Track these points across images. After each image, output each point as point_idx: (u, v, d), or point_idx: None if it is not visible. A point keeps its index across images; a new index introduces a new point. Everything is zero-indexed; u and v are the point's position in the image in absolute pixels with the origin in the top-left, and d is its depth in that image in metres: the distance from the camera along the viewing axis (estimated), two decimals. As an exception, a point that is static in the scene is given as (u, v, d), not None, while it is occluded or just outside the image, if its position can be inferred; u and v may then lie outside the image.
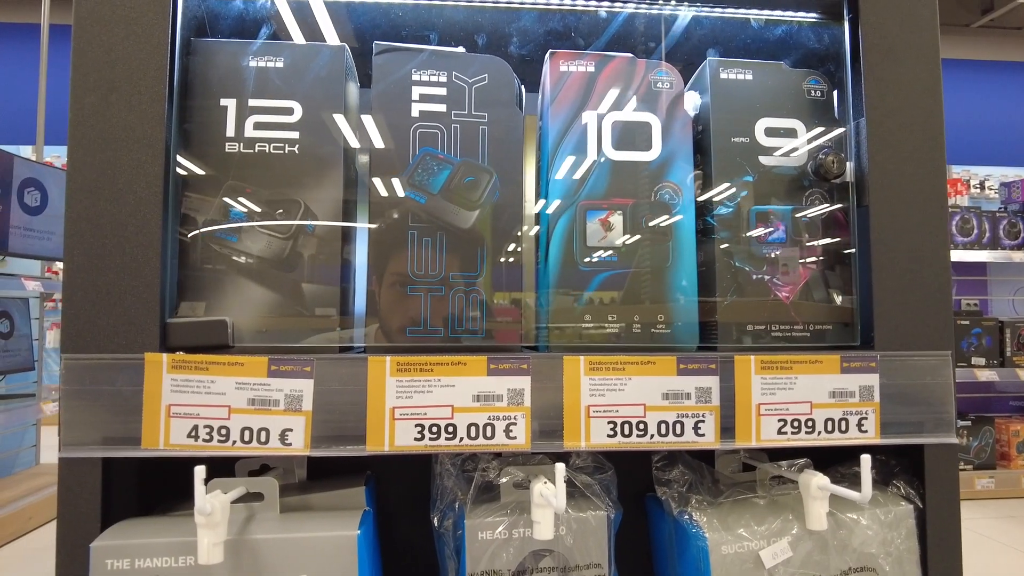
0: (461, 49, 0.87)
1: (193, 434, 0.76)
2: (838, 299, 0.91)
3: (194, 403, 0.76)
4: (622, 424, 0.81)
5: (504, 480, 0.87)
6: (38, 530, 3.32)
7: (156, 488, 0.93)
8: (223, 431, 0.76)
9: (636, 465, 0.97)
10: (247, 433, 0.76)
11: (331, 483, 0.92)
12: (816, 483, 0.82)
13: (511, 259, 0.85)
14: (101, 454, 0.75)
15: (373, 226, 0.83)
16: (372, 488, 0.93)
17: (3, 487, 3.60)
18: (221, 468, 0.83)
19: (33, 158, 3.99)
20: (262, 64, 0.84)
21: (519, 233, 0.86)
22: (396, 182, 0.84)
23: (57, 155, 5.96)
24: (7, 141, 5.44)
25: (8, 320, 3.38)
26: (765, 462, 0.96)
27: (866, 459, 0.80)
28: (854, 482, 0.92)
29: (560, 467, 0.75)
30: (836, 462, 0.95)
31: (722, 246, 0.90)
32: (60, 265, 4.24)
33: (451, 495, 0.87)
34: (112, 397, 0.76)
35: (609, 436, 0.81)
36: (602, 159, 0.88)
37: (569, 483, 0.87)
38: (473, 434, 0.78)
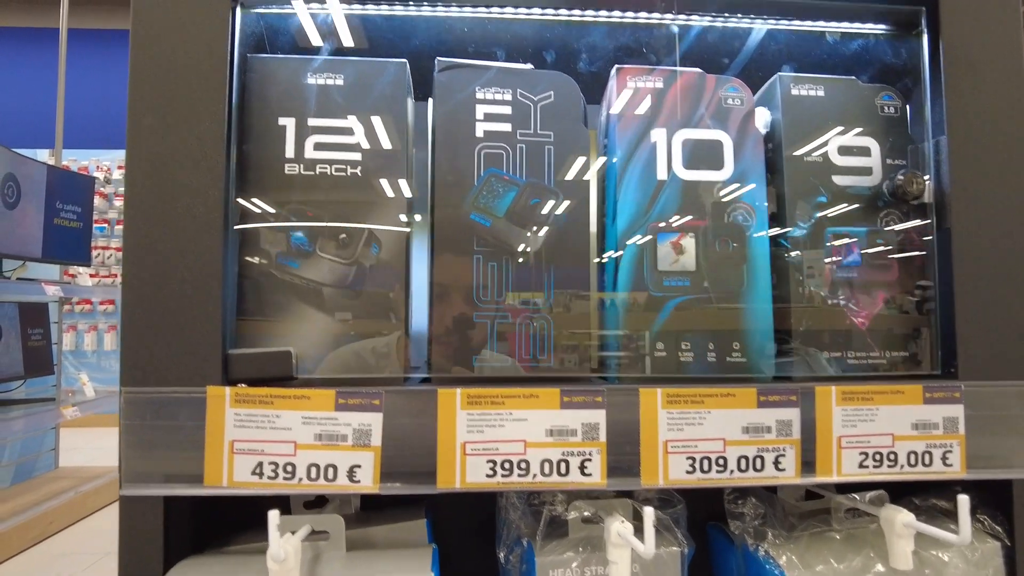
0: (529, 66, 0.83)
1: (258, 471, 0.73)
2: (916, 325, 0.88)
3: (259, 438, 0.73)
4: (701, 460, 0.77)
5: (573, 515, 0.83)
6: (60, 534, 3.32)
7: (207, 520, 0.90)
8: (289, 468, 0.73)
9: (694, 492, 0.94)
10: (314, 470, 0.73)
11: (389, 515, 0.89)
12: (902, 520, 0.79)
13: (579, 284, 0.82)
14: (163, 492, 0.73)
15: (437, 250, 0.80)
16: (429, 519, 0.90)
17: (24, 491, 3.60)
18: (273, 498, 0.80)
19: (51, 161, 3.99)
20: (322, 82, 0.81)
21: (587, 257, 0.83)
22: (461, 205, 0.81)
23: (74, 159, 5.97)
24: (26, 145, 5.44)
25: None
26: (831, 490, 0.92)
27: (964, 500, 0.76)
28: (933, 515, 0.88)
29: (649, 512, 0.72)
30: (909, 491, 0.92)
31: (796, 270, 0.86)
32: (75, 268, 4.24)
33: (517, 530, 0.84)
34: (174, 432, 0.73)
35: (688, 472, 0.77)
36: (672, 179, 0.85)
37: (638, 516, 0.84)
38: (547, 470, 0.75)
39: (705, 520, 1.01)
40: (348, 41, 0.86)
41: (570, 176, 0.83)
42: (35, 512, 3.20)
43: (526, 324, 0.81)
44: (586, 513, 0.84)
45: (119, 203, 6.34)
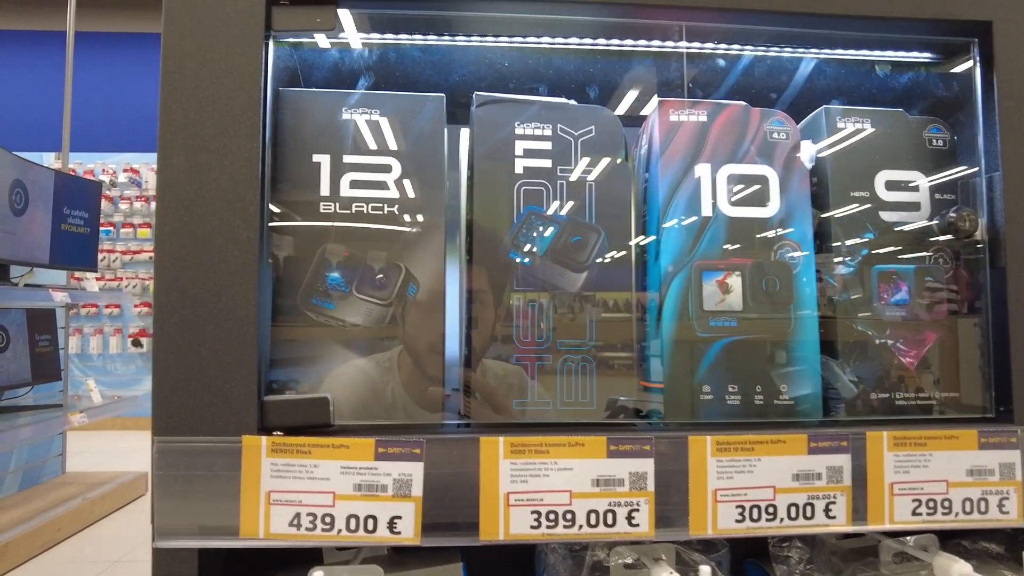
0: (573, 101, 0.81)
1: (295, 522, 0.70)
2: (967, 366, 0.85)
3: (296, 489, 0.71)
4: (751, 508, 0.75)
5: (615, 561, 0.81)
6: (67, 541, 3.30)
7: (237, 566, 0.88)
8: (328, 519, 0.70)
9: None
10: (353, 521, 0.71)
11: (423, 559, 0.87)
12: (958, 571, 0.76)
13: (621, 324, 0.79)
14: (197, 544, 0.70)
15: (475, 290, 0.78)
16: (464, 564, 0.87)
17: (31, 497, 3.59)
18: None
19: (57, 165, 3.97)
20: (357, 116, 0.78)
21: (629, 296, 0.80)
22: (500, 243, 0.79)
23: (79, 162, 5.95)
24: (31, 148, 5.43)
25: (4, 334, 3.35)
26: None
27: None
28: (984, 559, 0.86)
29: (706, 571, 0.69)
30: (957, 531, 0.89)
31: (842, 308, 0.84)
32: (81, 272, 4.22)
33: (559, 572, 0.82)
34: (208, 483, 0.70)
35: (737, 521, 0.75)
36: (718, 215, 0.82)
37: (683, 562, 0.82)
38: (593, 521, 0.73)
39: (742, 556, 0.98)
40: (382, 74, 0.84)
41: (611, 212, 0.81)
42: (43, 519, 3.19)
43: (568, 366, 0.78)
44: (628, 560, 0.82)
45: (124, 206, 6.32)
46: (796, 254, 0.83)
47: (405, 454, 0.71)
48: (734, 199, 0.83)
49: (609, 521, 0.73)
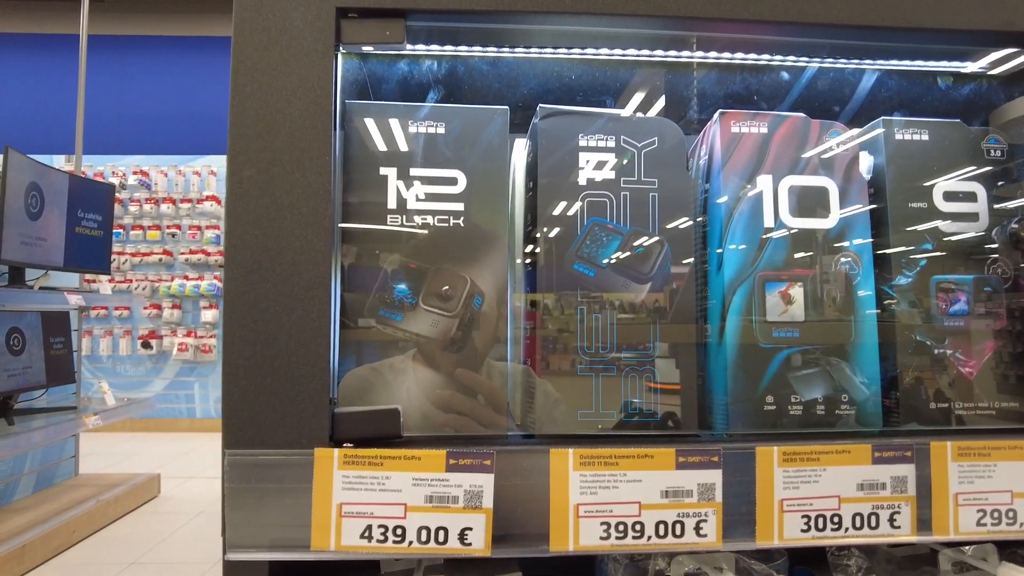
0: (640, 114, 0.81)
1: (367, 534, 0.71)
2: (1027, 375, 0.85)
3: (368, 501, 0.71)
4: (816, 518, 0.75)
5: (675, 570, 0.81)
6: (82, 543, 3.31)
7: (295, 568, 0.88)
8: (399, 531, 0.71)
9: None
10: (424, 533, 0.71)
11: (481, 568, 0.87)
12: (1024, 582, 0.76)
13: (685, 335, 0.80)
14: (268, 557, 0.71)
15: (540, 301, 0.78)
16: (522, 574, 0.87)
17: (45, 499, 3.59)
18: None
19: (69, 168, 3.97)
20: (423, 130, 0.79)
21: (692, 306, 0.80)
22: (564, 254, 0.79)
23: (90, 164, 5.96)
24: (42, 150, 5.44)
25: (19, 336, 3.35)
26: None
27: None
28: (1042, 569, 0.86)
29: None
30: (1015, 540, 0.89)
31: (901, 319, 0.84)
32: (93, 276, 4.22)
33: (618, 585, 0.82)
34: (279, 496, 0.71)
35: (803, 531, 0.75)
36: (779, 227, 0.83)
37: (745, 571, 0.82)
38: (662, 532, 0.73)
39: (792, 564, 0.98)
40: (445, 85, 0.84)
41: (675, 224, 0.81)
42: (57, 522, 3.19)
43: (632, 377, 0.79)
44: (688, 568, 0.82)
45: (134, 209, 6.33)
46: (856, 265, 0.83)
47: (476, 465, 0.72)
48: (795, 211, 0.83)
49: (677, 532, 0.73)
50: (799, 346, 0.81)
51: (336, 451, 0.71)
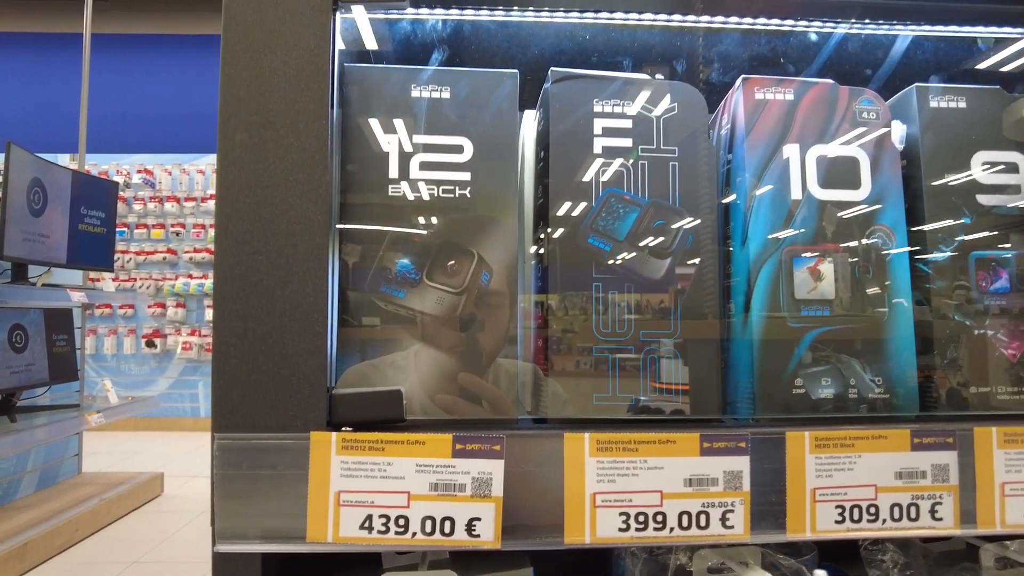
0: (660, 76, 0.76)
1: (367, 525, 0.65)
2: (1074, 357, 0.80)
3: (368, 489, 0.66)
4: (851, 508, 0.69)
5: (699, 565, 0.76)
6: (85, 542, 3.27)
7: (294, 572, 0.83)
8: (401, 521, 0.66)
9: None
10: (429, 523, 0.66)
11: (489, 562, 0.82)
12: (1075, 578, 0.71)
13: (708, 313, 0.74)
14: (261, 549, 0.65)
15: (552, 278, 0.73)
16: (533, 568, 0.82)
17: (48, 498, 3.56)
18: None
19: (73, 166, 3.94)
20: (427, 95, 0.74)
21: (715, 284, 0.75)
22: (578, 227, 0.74)
23: (94, 163, 5.94)
24: (46, 149, 5.41)
25: (22, 333, 3.32)
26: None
27: None
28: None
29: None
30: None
31: (938, 297, 0.79)
32: (97, 273, 4.19)
33: (636, 581, 0.77)
34: (272, 483, 0.66)
35: (837, 523, 0.69)
36: (808, 199, 0.77)
37: (771, 567, 0.77)
38: (685, 523, 0.68)
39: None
40: (451, 49, 0.79)
41: (696, 194, 0.76)
42: (60, 520, 3.16)
43: (652, 358, 0.73)
44: (711, 563, 0.77)
45: (138, 207, 6.30)
46: (889, 240, 0.78)
47: (485, 451, 0.67)
48: (824, 182, 0.78)
49: (702, 523, 0.68)
50: (829, 325, 0.75)
51: (334, 435, 0.66)
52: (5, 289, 3.02)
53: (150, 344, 6.17)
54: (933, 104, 0.81)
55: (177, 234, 6.27)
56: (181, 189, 6.30)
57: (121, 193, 6.22)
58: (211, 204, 6.17)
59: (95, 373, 5.93)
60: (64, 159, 5.89)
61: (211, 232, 6.25)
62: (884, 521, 0.70)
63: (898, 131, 0.82)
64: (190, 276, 6.18)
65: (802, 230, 0.77)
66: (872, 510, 0.70)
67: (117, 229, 5.95)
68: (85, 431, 3.96)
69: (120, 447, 5.36)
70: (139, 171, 6.28)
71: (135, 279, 6.22)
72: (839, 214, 0.78)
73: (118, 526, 3.51)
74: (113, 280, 5.75)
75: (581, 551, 0.89)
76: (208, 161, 6.34)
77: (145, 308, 6.19)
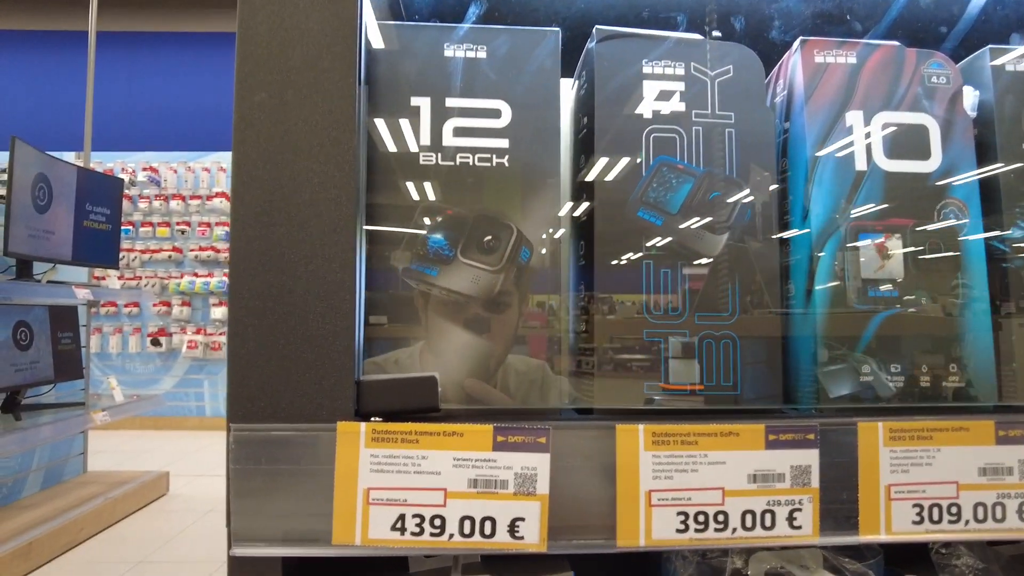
0: (717, 33, 0.69)
1: (399, 526, 0.59)
2: None
3: (401, 485, 0.59)
4: (930, 507, 0.63)
5: (755, 569, 0.70)
6: (89, 541, 3.22)
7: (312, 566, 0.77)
8: (437, 522, 0.59)
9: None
10: (467, 524, 0.59)
11: (524, 567, 0.76)
12: None
13: (768, 295, 0.68)
14: (282, 553, 0.59)
15: (598, 254, 0.67)
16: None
17: (53, 496, 3.52)
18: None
19: (80, 164, 3.89)
20: (462, 54, 0.67)
21: (775, 261, 0.69)
22: (626, 199, 0.67)
23: (99, 161, 5.90)
24: (52, 147, 5.36)
25: (27, 331, 3.27)
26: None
27: None
28: None
29: None
30: None
31: (1016, 277, 0.72)
32: (103, 271, 4.14)
33: (688, 587, 0.70)
34: (294, 479, 0.59)
35: (915, 523, 0.63)
36: (873, 170, 0.71)
37: (835, 571, 0.70)
38: (749, 524, 0.61)
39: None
40: (491, 4, 0.72)
41: (755, 165, 0.69)
42: (65, 519, 3.11)
43: (707, 343, 0.67)
44: (769, 566, 0.71)
45: (143, 205, 6.26)
46: (961, 214, 0.71)
47: (529, 444, 0.60)
48: (891, 152, 0.71)
49: (767, 523, 0.61)
50: (898, 307, 0.69)
51: (363, 426, 0.60)
52: (10, 286, 2.97)
53: (155, 343, 6.13)
54: (1010, 68, 0.75)
55: (183, 232, 6.22)
56: (187, 187, 6.25)
57: (126, 191, 6.18)
58: (217, 202, 6.12)
59: (100, 372, 5.88)
60: (69, 157, 5.82)
61: (217, 231, 6.20)
62: (967, 522, 0.64)
63: (970, 97, 0.75)
64: (195, 274, 6.13)
65: (868, 204, 0.70)
66: (953, 510, 0.64)
67: (122, 227, 5.91)
68: (90, 430, 3.91)
69: (126, 446, 5.32)
70: (144, 169, 6.23)
71: (140, 277, 6.18)
72: (907, 186, 0.71)
73: (123, 525, 3.46)
74: (119, 278, 5.72)
75: (624, 556, 0.83)
76: (214, 159, 6.29)
77: (150, 306, 6.14)
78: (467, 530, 0.59)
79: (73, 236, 3.52)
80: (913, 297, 0.70)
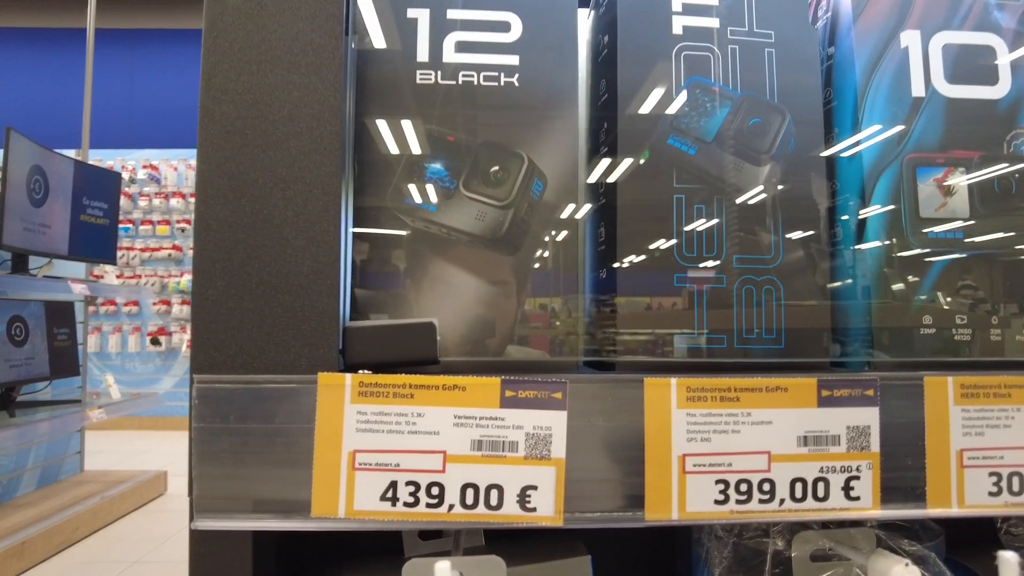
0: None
1: (390, 495, 0.50)
2: None
3: (392, 447, 0.51)
4: (1009, 476, 0.54)
5: (799, 549, 0.61)
6: (85, 541, 3.15)
7: (292, 551, 0.68)
8: (435, 490, 0.51)
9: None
10: (470, 493, 0.51)
11: (533, 546, 0.67)
12: None
13: (814, 236, 0.59)
14: (253, 526, 0.50)
15: (621, 188, 0.58)
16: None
17: (49, 495, 3.45)
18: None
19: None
20: (464, -40, 0.59)
21: (822, 199, 0.60)
22: (655, 126, 0.59)
23: (99, 159, 5.84)
24: (51, 144, 5.31)
25: (22, 326, 3.19)
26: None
27: None
28: None
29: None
30: None
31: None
32: (101, 269, 4.08)
33: (722, 569, 0.61)
34: (268, 440, 0.51)
35: (992, 495, 0.54)
36: (933, 96, 0.62)
37: (892, 551, 0.61)
38: (799, 494, 0.52)
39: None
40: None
41: (797, 88, 0.60)
42: (60, 518, 3.03)
43: (747, 289, 0.58)
44: (816, 547, 0.62)
45: (143, 203, 6.20)
46: (1035, 147, 0.63)
47: (543, 399, 0.51)
48: (952, 77, 0.63)
49: (820, 493, 0.53)
50: (963, 251, 0.60)
51: (348, 377, 0.51)
52: (5, 280, 2.90)
53: (155, 342, 6.06)
54: (1086, -15, 0.66)
55: (183, 230, 6.16)
56: (187, 185, 6.18)
57: (126, 189, 6.12)
58: (218, 199, 6.05)
59: (99, 371, 5.81)
60: (68, 155, 5.79)
61: (218, 227, 6.12)
62: (1052, 493, 0.55)
63: (1041, 17, 0.67)
64: (196, 272, 6.06)
65: (926, 134, 0.62)
66: (1035, 479, 0.55)
67: (122, 225, 5.85)
68: (88, 428, 3.84)
69: (124, 446, 5.25)
70: (144, 166, 6.17)
71: (140, 276, 6.11)
72: (972, 115, 0.62)
73: (120, 525, 3.39)
74: (118, 277, 5.65)
75: (651, 535, 0.74)
76: (215, 156, 6.22)
77: (150, 305, 6.08)
78: (470, 500, 0.51)
79: (70, 230, 3.46)
80: (980, 239, 0.61)
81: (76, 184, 3.48)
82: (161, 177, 6.21)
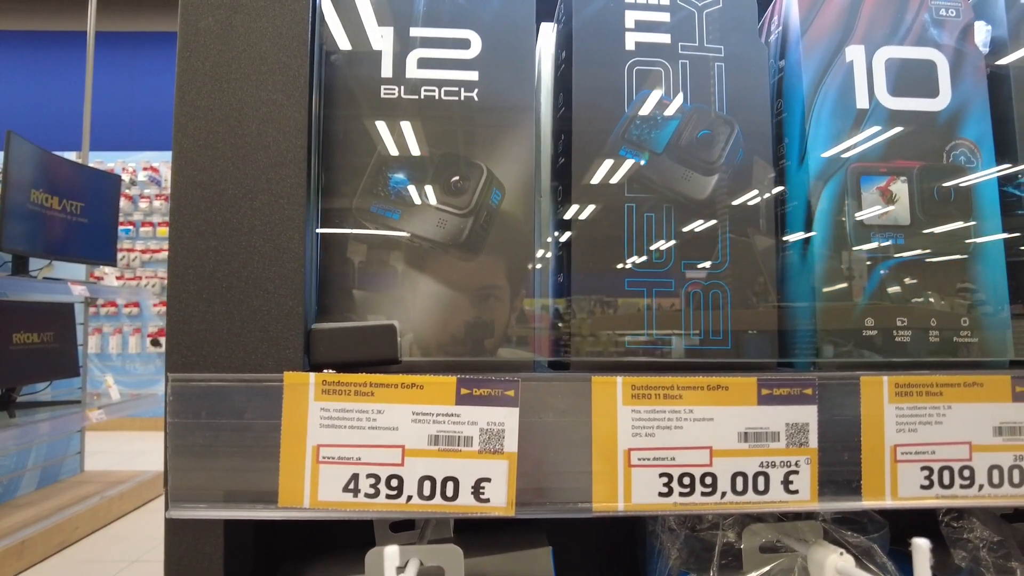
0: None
1: (352, 487, 0.54)
2: None
3: (354, 442, 0.54)
4: (940, 470, 0.57)
5: (748, 542, 0.64)
6: (84, 540, 3.18)
7: (267, 541, 0.71)
8: (394, 482, 0.54)
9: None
10: (427, 485, 0.54)
11: (498, 538, 0.70)
12: None
13: (762, 243, 0.62)
14: (224, 515, 0.54)
15: (576, 197, 0.61)
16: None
17: (49, 495, 3.48)
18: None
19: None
20: (427, -20, 0.62)
21: (770, 206, 0.63)
22: (607, 137, 0.62)
23: (100, 160, 5.89)
24: (51, 147, 5.35)
25: None
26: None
27: None
28: None
29: (923, 546, 0.52)
30: None
31: (1032, 225, 0.66)
32: (101, 271, 4.11)
33: (675, 561, 0.64)
34: (238, 434, 0.54)
35: (923, 488, 0.57)
36: (876, 108, 0.65)
37: (837, 544, 0.64)
38: (740, 487, 0.55)
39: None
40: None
41: (746, 101, 0.64)
42: (60, 517, 3.06)
43: (694, 292, 0.61)
44: (764, 540, 0.65)
45: (144, 205, 6.24)
46: (973, 156, 0.66)
47: (496, 397, 0.55)
48: (895, 89, 0.66)
49: (760, 486, 0.56)
50: (904, 255, 0.63)
51: (312, 376, 0.54)
52: (5, 281, 2.94)
53: (155, 343, 6.10)
54: None
55: (184, 232, 6.18)
56: (188, 186, 6.21)
57: (127, 191, 6.16)
58: (218, 201, 6.09)
59: (99, 372, 5.85)
60: (69, 157, 5.83)
61: (218, 229, 6.16)
62: (981, 487, 0.58)
63: (982, 33, 0.70)
64: (196, 274, 6.09)
65: (870, 145, 0.65)
66: (966, 473, 0.58)
67: (123, 227, 5.89)
68: (88, 429, 3.87)
69: (125, 447, 5.29)
70: (145, 168, 6.21)
71: (140, 277, 6.15)
72: (914, 126, 0.65)
73: (119, 524, 3.42)
74: (118, 278, 5.69)
75: (607, 525, 0.77)
76: (215, 158, 6.26)
77: (151, 307, 6.11)
78: (427, 492, 0.54)
79: (69, 232, 3.49)
80: (920, 244, 0.64)
81: (76, 187, 3.49)
82: (162, 179, 6.24)
